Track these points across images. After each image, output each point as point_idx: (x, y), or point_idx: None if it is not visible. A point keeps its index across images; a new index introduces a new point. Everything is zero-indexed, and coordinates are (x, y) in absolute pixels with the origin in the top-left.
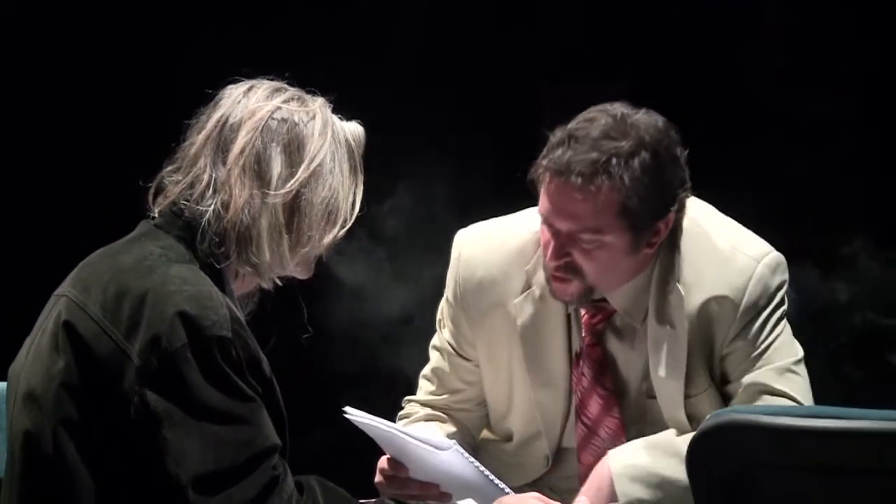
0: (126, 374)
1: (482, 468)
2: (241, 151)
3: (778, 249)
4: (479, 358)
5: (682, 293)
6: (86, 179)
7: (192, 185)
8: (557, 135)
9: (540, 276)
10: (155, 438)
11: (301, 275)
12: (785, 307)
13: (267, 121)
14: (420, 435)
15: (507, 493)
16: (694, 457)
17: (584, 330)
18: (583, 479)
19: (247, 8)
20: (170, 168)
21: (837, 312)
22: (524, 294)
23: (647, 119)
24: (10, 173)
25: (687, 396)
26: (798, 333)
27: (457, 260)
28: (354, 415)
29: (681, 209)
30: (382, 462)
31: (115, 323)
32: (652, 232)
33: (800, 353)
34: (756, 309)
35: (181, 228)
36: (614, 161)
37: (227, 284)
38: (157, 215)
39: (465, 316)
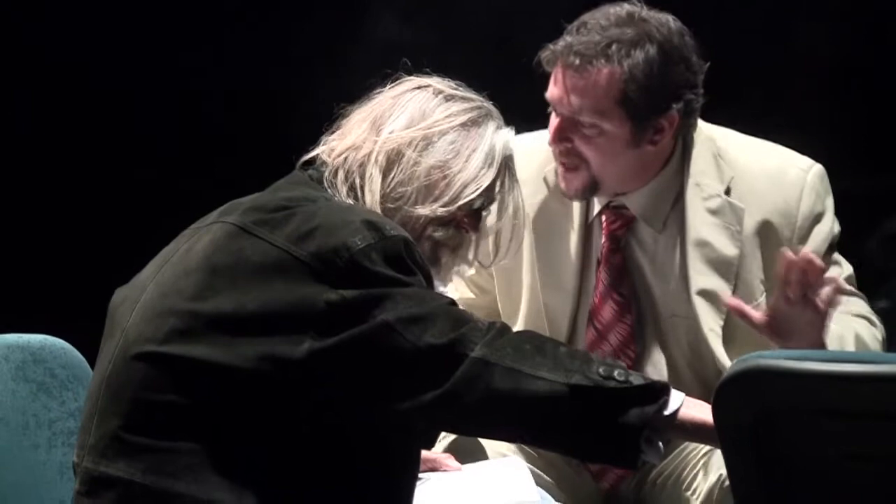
0: (306, 281)
1: None
2: (372, 109)
3: None
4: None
5: (741, 205)
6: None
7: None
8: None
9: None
10: (367, 327)
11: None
12: (834, 214)
13: (407, 91)
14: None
15: None
16: (720, 402)
17: (603, 236)
18: None
19: None
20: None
21: None
22: (543, 197)
23: (661, 17)
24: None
25: None
26: None
27: None
28: None
29: (690, 113)
30: None
31: (287, 238)
32: (654, 128)
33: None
34: (813, 215)
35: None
36: (614, 46)
37: None
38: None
39: None
